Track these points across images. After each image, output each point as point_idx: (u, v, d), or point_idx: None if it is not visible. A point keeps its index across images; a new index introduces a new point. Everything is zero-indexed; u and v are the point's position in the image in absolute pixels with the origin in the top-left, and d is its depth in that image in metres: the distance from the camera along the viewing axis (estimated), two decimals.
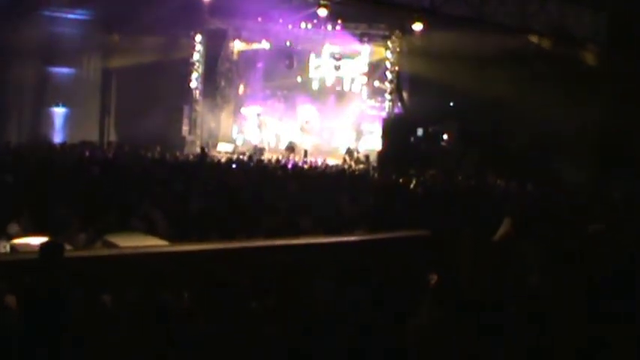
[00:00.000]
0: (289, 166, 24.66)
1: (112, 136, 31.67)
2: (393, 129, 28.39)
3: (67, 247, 7.86)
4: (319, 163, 27.52)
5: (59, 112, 29.73)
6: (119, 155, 23.53)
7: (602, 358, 4.77)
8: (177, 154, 27.69)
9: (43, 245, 6.38)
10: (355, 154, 30.28)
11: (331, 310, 5.73)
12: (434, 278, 6.89)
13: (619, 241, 7.72)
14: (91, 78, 31.13)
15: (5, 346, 5.05)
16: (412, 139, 27.90)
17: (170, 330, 5.18)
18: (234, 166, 21.62)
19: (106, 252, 8.85)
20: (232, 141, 32.64)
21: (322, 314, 5.66)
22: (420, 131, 28.05)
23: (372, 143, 31.13)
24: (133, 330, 5.17)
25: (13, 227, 10.09)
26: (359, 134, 31.79)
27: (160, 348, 4.93)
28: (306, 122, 32.42)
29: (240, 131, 33.19)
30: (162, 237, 10.30)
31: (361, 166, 28.60)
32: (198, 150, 28.36)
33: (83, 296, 5.79)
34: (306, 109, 32.79)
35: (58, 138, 29.02)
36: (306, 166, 25.74)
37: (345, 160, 29.55)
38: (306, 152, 30.37)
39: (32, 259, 6.34)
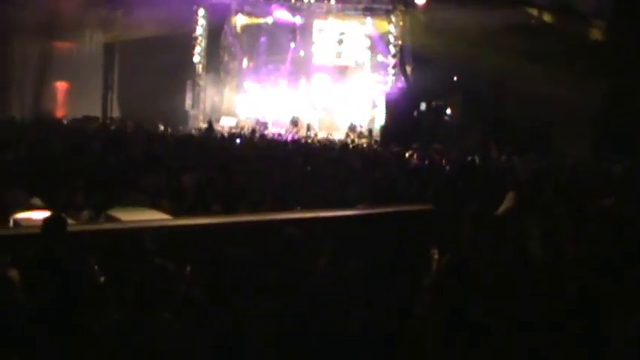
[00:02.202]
0: (289, 139, 24.73)
1: (115, 111, 31.66)
2: (396, 103, 28.36)
3: (70, 221, 7.88)
4: (322, 138, 27.50)
5: (62, 87, 29.68)
6: (121, 130, 23.47)
7: (606, 332, 4.77)
8: (181, 128, 27.66)
9: (45, 219, 6.38)
10: (358, 129, 30.24)
11: (334, 284, 5.74)
12: (436, 253, 6.89)
13: (626, 216, 7.68)
14: (94, 53, 31.07)
15: (8, 320, 5.06)
16: (415, 113, 27.83)
17: (172, 303, 5.20)
18: (238, 140, 21.56)
19: (108, 226, 8.84)
20: (235, 115, 32.57)
21: (324, 288, 5.67)
22: (423, 105, 27.99)
23: (375, 118, 31.10)
24: (135, 303, 5.18)
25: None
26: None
27: (162, 320, 4.94)
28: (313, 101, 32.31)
29: (243, 105, 33.09)
30: (165, 211, 10.30)
31: (364, 140, 28.58)
32: (201, 124, 28.32)
33: (85, 270, 5.80)
34: (309, 84, 32.69)
35: (60, 113, 29.00)
36: (309, 141, 25.71)
37: (348, 135, 29.53)
38: (309, 126, 30.35)
39: (35, 234, 6.34)
